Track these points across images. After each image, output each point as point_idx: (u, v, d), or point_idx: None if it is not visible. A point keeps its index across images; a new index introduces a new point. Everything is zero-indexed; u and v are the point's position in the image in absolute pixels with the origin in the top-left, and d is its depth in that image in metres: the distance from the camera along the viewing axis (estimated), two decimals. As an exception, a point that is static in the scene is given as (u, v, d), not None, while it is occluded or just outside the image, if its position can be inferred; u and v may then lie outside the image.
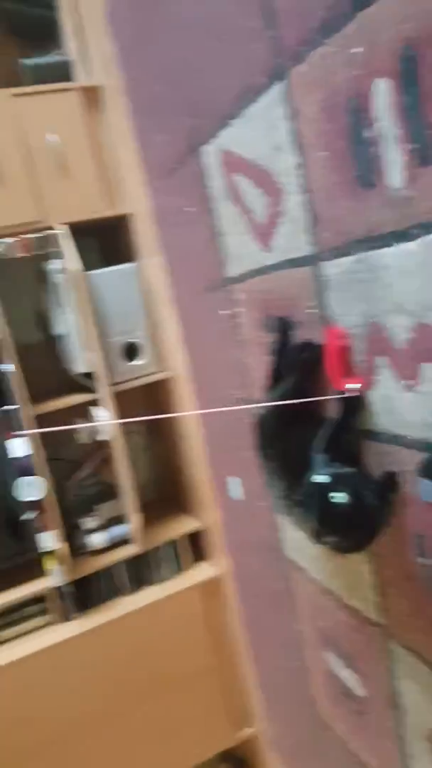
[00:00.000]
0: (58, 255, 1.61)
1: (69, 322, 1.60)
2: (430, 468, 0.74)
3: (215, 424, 1.47)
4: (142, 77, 1.33)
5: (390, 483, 0.83)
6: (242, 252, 1.07)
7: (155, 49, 1.21)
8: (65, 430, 1.77)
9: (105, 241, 2.04)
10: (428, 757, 0.91)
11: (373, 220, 0.73)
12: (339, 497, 0.79)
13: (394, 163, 0.67)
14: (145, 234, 1.62)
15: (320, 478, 0.81)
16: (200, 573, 1.81)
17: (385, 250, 0.72)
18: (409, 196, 0.66)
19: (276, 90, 0.84)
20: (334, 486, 0.80)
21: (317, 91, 0.76)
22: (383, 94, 0.66)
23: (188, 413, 1.69)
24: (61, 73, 1.73)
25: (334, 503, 0.79)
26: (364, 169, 0.72)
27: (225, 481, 1.47)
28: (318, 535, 0.83)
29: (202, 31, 1.00)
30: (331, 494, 0.80)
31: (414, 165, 0.64)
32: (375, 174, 0.70)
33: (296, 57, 0.78)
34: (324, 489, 0.80)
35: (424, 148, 0.62)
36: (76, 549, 1.77)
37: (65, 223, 1.60)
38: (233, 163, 1.01)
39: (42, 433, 1.57)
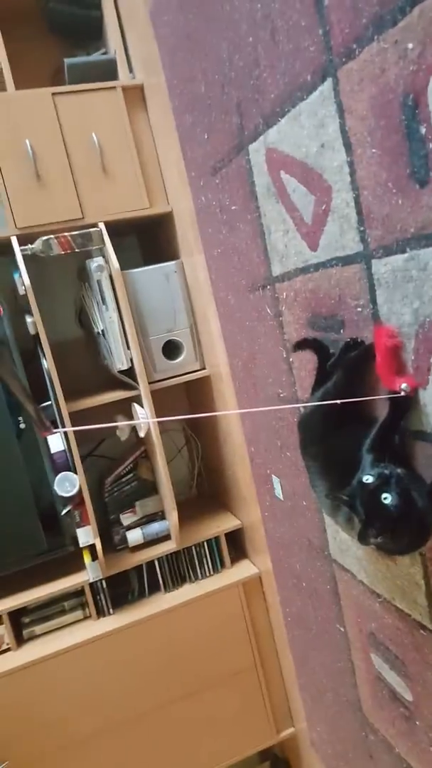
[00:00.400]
0: (99, 253, 1.64)
1: (109, 320, 1.63)
2: None
3: (258, 422, 1.47)
4: (185, 76, 1.34)
5: (442, 485, 0.81)
6: (288, 250, 1.06)
7: (199, 47, 1.21)
8: (104, 427, 1.80)
9: (146, 239, 2.06)
10: None
11: (426, 218, 0.71)
12: (387, 498, 0.78)
13: (451, 159, 0.65)
14: (186, 232, 1.64)
15: (368, 479, 0.80)
16: (241, 571, 1.81)
17: (439, 247, 0.71)
18: (466, 193, 0.64)
19: (326, 87, 0.83)
20: (382, 487, 0.79)
21: (369, 87, 0.75)
22: (440, 89, 0.64)
23: (228, 412, 1.70)
24: (104, 72, 1.76)
25: (381, 504, 0.78)
26: (418, 166, 0.70)
27: (270, 479, 1.47)
28: (364, 536, 0.82)
29: (249, 29, 1.00)
30: (380, 495, 0.79)
31: (473, 160, 0.62)
32: (430, 171, 0.69)
33: (347, 54, 0.77)
34: (372, 489, 0.80)
35: None
36: (114, 545, 1.81)
37: (106, 221, 1.63)
38: (280, 162, 1.01)
39: (79, 429, 1.60)
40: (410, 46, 0.66)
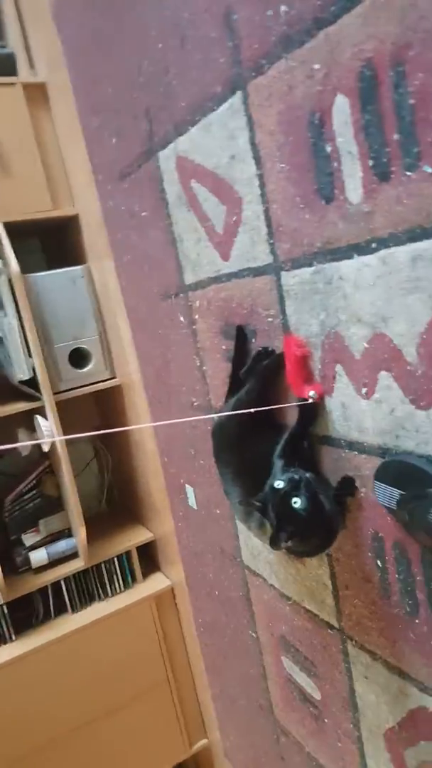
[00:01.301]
0: (-3, 255, 1.54)
1: (8, 326, 1.52)
2: (385, 472, 0.77)
3: (171, 431, 1.45)
4: (91, 77, 1.30)
5: (346, 487, 0.85)
6: (200, 259, 1.06)
7: (106, 48, 1.18)
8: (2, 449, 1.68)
9: (50, 242, 1.97)
10: (386, 756, 0.93)
11: (331, 233, 0.75)
12: (297, 502, 0.80)
13: (353, 179, 0.69)
14: (94, 237, 1.58)
15: (279, 484, 0.82)
16: (153, 584, 1.78)
17: (343, 262, 0.74)
18: (367, 211, 0.68)
19: (236, 100, 0.84)
20: (291, 491, 0.81)
21: (277, 103, 0.77)
22: (343, 111, 0.67)
23: (139, 426, 1.66)
24: (2, 66, 1.65)
25: (291, 508, 0.80)
26: (324, 183, 0.73)
27: (184, 489, 1.45)
28: (276, 541, 0.83)
29: (159, 35, 0.99)
30: (289, 499, 0.80)
31: (372, 181, 0.66)
32: (334, 188, 0.72)
33: (257, 69, 0.78)
34: (282, 494, 0.81)
35: (382, 164, 0.65)
36: (16, 567, 1.69)
37: (5, 222, 1.53)
38: (191, 170, 1.01)
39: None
40: (316, 66, 0.69)
